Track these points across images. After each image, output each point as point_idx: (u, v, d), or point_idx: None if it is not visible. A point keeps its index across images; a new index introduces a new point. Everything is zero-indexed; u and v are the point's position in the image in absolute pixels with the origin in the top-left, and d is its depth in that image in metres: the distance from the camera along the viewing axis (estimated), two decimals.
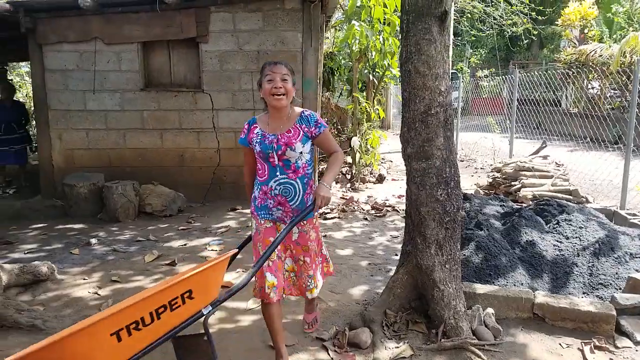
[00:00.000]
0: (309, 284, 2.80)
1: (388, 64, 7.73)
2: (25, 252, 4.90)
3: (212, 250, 4.85)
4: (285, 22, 6.47)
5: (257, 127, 2.65)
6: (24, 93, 16.49)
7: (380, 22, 7.24)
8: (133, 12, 6.46)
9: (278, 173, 2.59)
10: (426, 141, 3.02)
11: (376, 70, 8.18)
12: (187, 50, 6.70)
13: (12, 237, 5.41)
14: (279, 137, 2.58)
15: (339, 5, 8.16)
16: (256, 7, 6.45)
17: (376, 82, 8.32)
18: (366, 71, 8.11)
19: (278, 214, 2.66)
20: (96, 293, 3.88)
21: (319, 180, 2.80)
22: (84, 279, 4.16)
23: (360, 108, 7.90)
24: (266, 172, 2.62)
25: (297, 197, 2.64)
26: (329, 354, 2.92)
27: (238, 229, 5.61)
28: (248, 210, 6.37)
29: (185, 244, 5.10)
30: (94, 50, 6.59)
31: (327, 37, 10.18)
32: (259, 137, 2.61)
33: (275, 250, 2.57)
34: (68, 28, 6.52)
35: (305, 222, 2.70)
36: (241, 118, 6.72)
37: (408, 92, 3.05)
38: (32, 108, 9.24)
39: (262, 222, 2.68)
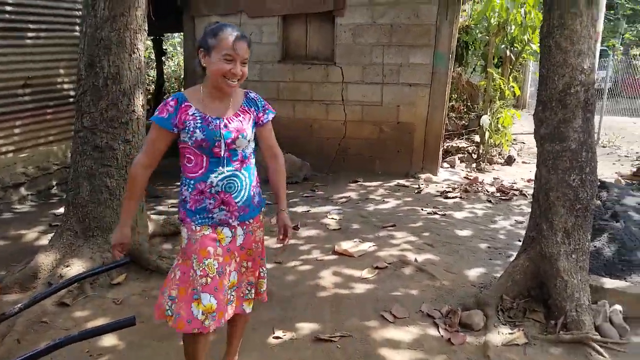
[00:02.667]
0: (247, 292, 2.25)
1: (528, 38, 7.22)
2: (169, 206, 5.55)
3: (332, 218, 5.06)
4: None
5: (190, 106, 2.05)
6: (176, 62, 18.16)
7: None
8: None
9: (222, 166, 2.06)
10: (562, 122, 2.86)
11: (515, 45, 7.70)
12: (322, 23, 6.89)
13: (159, 192, 6.12)
14: (227, 121, 2.07)
15: None
16: None
17: (513, 58, 7.83)
18: (503, 46, 7.66)
19: (221, 215, 2.11)
20: None
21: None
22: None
23: (494, 85, 7.53)
24: (204, 165, 2.06)
25: (243, 192, 2.13)
26: (439, 331, 2.95)
27: (358, 201, 5.77)
28: (370, 183, 6.52)
29: (308, 210, 5.38)
30: (239, 22, 7.05)
31: (465, 10, 9.74)
32: (199, 121, 2.03)
33: (216, 262, 2.06)
34: (217, 1, 7.04)
35: (251, 220, 2.20)
36: (370, 92, 6.80)
37: (546, 69, 2.90)
38: (184, 75, 10.22)
39: (198, 229, 2.09)
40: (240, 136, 2.07)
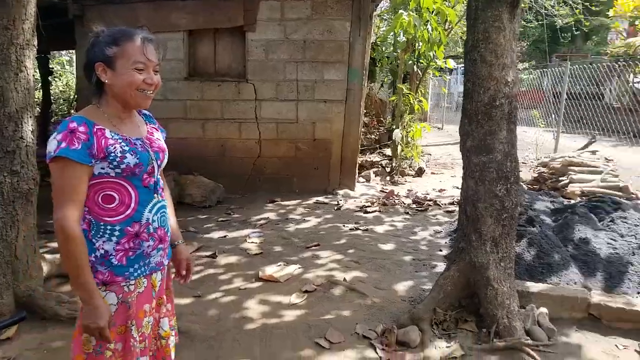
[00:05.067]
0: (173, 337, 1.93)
1: (433, 54, 7.56)
2: None
3: (252, 242, 4.82)
4: (334, 10, 6.35)
5: (103, 129, 1.60)
6: (64, 82, 16.78)
7: (429, 12, 7.08)
8: (180, 0, 6.46)
9: (154, 195, 1.71)
10: (488, 134, 2.92)
11: (420, 61, 8.02)
12: (233, 39, 6.68)
13: (51, 226, 5.47)
14: (147, 141, 1.73)
15: None
16: None
17: (420, 74, 8.15)
18: (410, 62, 7.96)
19: (157, 257, 1.74)
20: None
21: None
22: None
23: (404, 100, 7.77)
24: (134, 200, 1.64)
25: (169, 223, 1.82)
26: (377, 353, 2.84)
27: (277, 221, 5.58)
28: (288, 202, 6.35)
29: (225, 236, 5.06)
30: None
31: None
32: (123, 144, 1.62)
33: (151, 318, 1.74)
34: (115, 15, 6.49)
35: (168, 258, 1.84)
36: (284, 109, 6.69)
37: (472, 83, 2.95)
38: (75, 96, 9.37)
39: (132, 287, 1.66)
40: (165, 156, 1.78)
